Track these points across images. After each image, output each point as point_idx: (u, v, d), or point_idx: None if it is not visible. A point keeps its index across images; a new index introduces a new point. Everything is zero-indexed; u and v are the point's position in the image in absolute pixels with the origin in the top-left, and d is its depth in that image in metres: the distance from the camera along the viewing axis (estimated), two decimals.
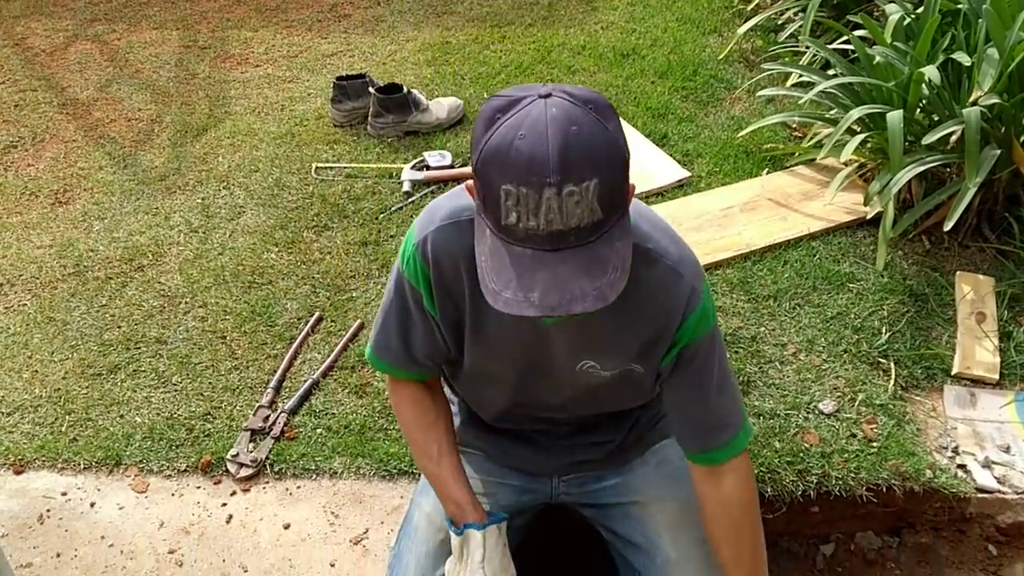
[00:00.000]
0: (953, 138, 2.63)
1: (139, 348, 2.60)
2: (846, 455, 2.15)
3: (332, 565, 2.04)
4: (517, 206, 1.16)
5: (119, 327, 2.68)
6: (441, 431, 1.69)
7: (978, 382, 2.38)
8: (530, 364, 1.56)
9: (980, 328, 2.47)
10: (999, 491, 2.14)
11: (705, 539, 1.70)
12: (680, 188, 3.07)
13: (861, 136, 2.68)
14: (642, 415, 1.80)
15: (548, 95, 1.17)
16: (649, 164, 3.16)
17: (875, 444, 2.18)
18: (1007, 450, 2.21)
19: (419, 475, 2.19)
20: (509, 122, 1.17)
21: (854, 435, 2.20)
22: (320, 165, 3.32)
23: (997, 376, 2.37)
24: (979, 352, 2.41)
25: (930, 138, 2.48)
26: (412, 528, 1.83)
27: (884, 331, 2.47)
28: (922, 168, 2.56)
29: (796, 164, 3.09)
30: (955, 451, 2.20)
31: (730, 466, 1.56)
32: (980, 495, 2.13)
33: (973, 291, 2.57)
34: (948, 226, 2.46)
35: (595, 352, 1.52)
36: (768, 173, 3.09)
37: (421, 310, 1.54)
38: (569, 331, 1.49)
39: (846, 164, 2.91)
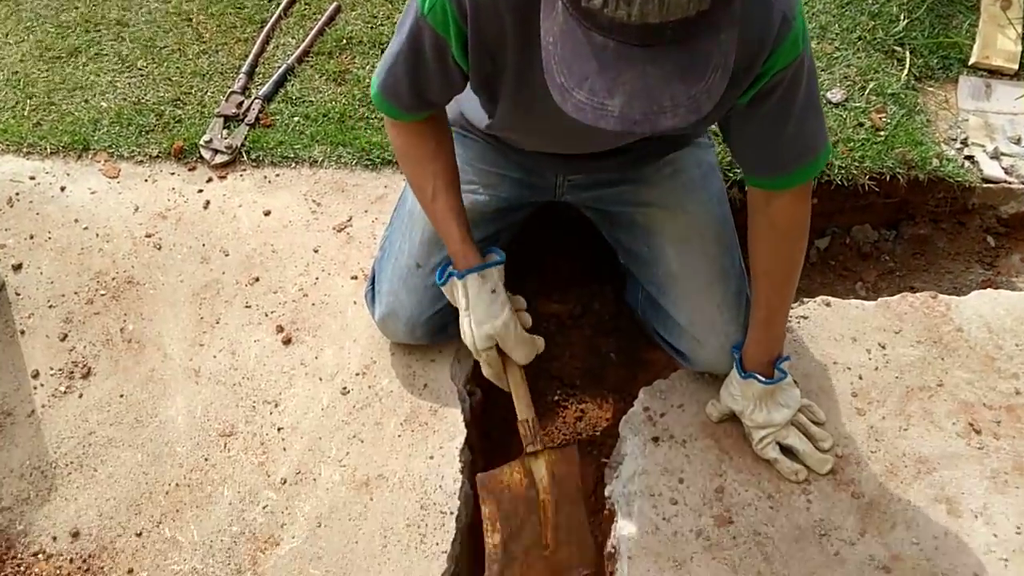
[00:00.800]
0: None
1: (99, 30, 2.41)
2: (851, 144, 2.05)
3: (316, 251, 1.99)
4: None
5: (76, 7, 2.47)
6: (440, 166, 1.53)
7: (995, 73, 2.24)
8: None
9: (1004, 15, 2.29)
10: (1005, 181, 2.07)
11: (714, 255, 1.64)
12: None
13: None
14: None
15: None
16: None
17: (882, 133, 2.08)
18: (1018, 142, 2.12)
19: None
20: None
21: (861, 124, 2.10)
22: None
23: (1016, 66, 2.23)
24: (1000, 41, 2.26)
25: None
26: (407, 212, 1.75)
27: (902, 18, 2.29)
28: None
29: None
30: (964, 143, 2.11)
31: (791, 190, 1.42)
32: (985, 185, 2.06)
33: None
34: None
35: None
36: None
37: (442, 59, 1.32)
38: None
39: None
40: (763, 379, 1.54)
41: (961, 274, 2.11)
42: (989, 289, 1.90)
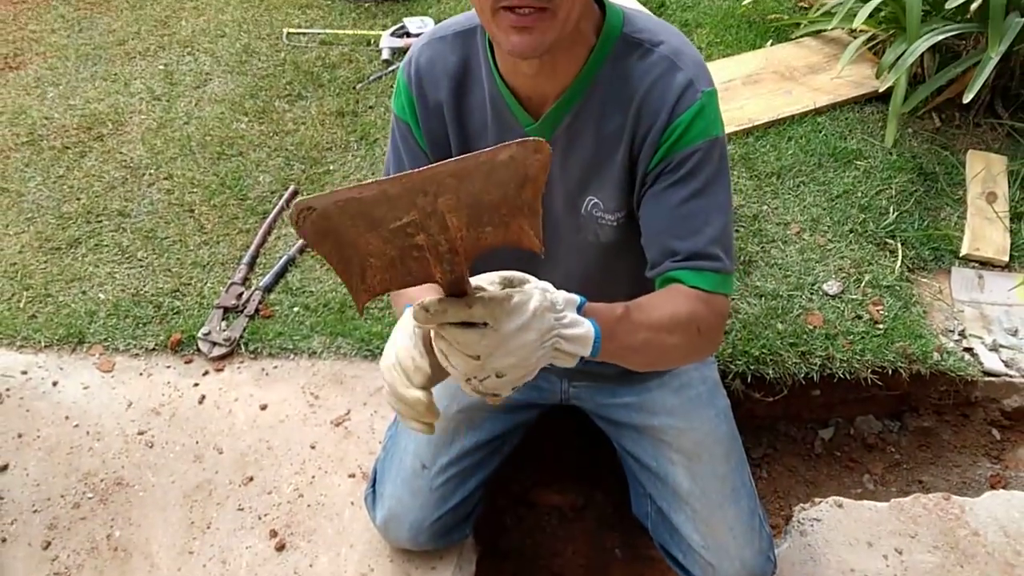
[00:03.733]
0: (973, 6, 2.46)
1: (100, 221, 2.42)
2: (851, 337, 2.06)
3: (312, 447, 1.94)
4: None
5: (78, 199, 2.49)
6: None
7: (987, 264, 2.28)
8: None
9: (991, 208, 2.36)
10: (1006, 375, 2.06)
11: (724, 474, 1.57)
12: None
13: (875, 2, 2.50)
14: None
15: None
16: None
17: (881, 326, 2.08)
18: (1015, 333, 2.13)
19: None
20: None
21: (859, 316, 2.11)
22: (292, 31, 3.10)
23: (1007, 258, 2.27)
24: (989, 233, 2.31)
25: (953, 3, 2.31)
26: None
27: (892, 210, 2.35)
28: (940, 37, 2.41)
29: (802, 36, 2.91)
30: (962, 334, 2.12)
31: (694, 291, 1.27)
32: (987, 379, 2.06)
33: (984, 170, 2.45)
34: (967, 98, 2.32)
35: (596, 181, 1.34)
36: (772, 45, 2.91)
37: (411, 148, 1.40)
38: (562, 147, 1.33)
39: (855, 35, 2.74)
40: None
41: (969, 468, 2.08)
42: (1002, 490, 1.86)
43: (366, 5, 3.22)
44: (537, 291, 1.02)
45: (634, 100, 1.27)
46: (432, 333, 1.02)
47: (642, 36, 1.27)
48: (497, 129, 1.35)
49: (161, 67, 2.99)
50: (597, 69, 1.27)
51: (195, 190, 2.50)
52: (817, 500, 1.82)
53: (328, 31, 3.08)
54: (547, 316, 1.01)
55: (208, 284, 2.24)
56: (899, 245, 2.27)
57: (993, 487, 2.02)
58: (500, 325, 0.97)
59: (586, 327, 1.06)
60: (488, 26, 1.19)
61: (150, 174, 2.57)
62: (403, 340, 1.11)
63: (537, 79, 1.28)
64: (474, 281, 1.00)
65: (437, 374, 1.10)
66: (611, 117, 1.29)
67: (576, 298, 1.08)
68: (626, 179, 1.33)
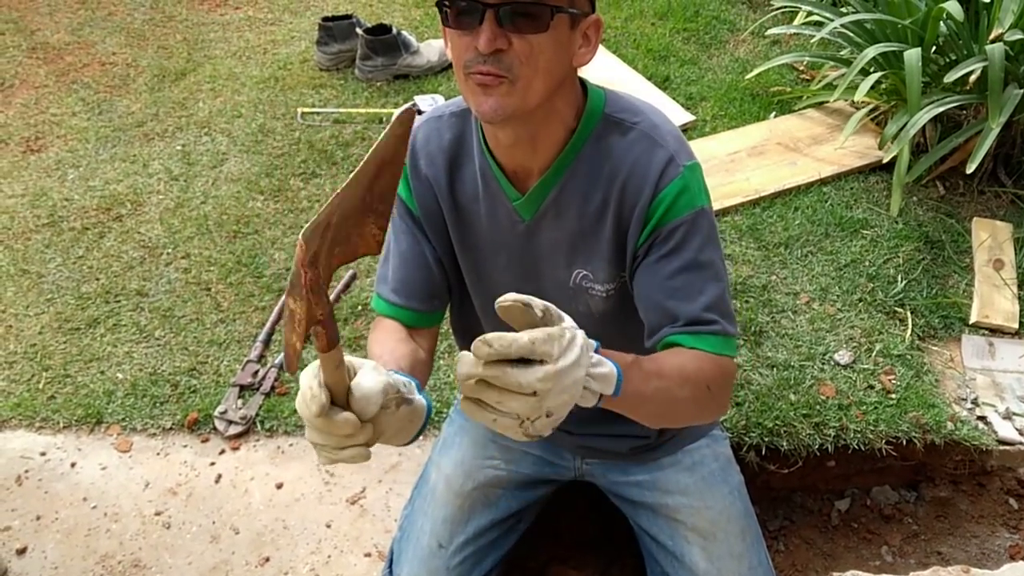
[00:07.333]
0: (972, 78, 2.52)
1: (119, 301, 2.46)
2: (864, 407, 2.06)
3: (328, 526, 1.94)
4: None
5: (97, 279, 2.54)
6: (402, 354, 1.33)
7: (996, 331, 2.29)
8: (523, 275, 1.42)
9: (998, 275, 2.38)
10: (1021, 443, 2.06)
11: (741, 552, 1.57)
12: (684, 132, 2.94)
13: (876, 76, 2.55)
14: None
15: None
16: None
17: (893, 396, 2.09)
18: None
19: (436, 431, 2.09)
20: None
21: (872, 386, 2.11)
22: (306, 110, 3.17)
23: (1016, 325, 2.28)
24: (998, 300, 2.32)
25: (952, 76, 2.37)
26: (429, 490, 1.72)
27: (900, 279, 2.37)
28: (940, 109, 2.45)
29: (805, 107, 2.97)
30: (975, 402, 2.12)
31: (696, 351, 1.28)
32: (1002, 447, 2.05)
33: (990, 237, 2.47)
34: (970, 168, 2.35)
35: (584, 254, 1.36)
36: (775, 117, 2.96)
37: (408, 225, 1.42)
38: (549, 221, 1.35)
39: (857, 106, 2.79)
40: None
41: (987, 539, 2.06)
42: (1022, 561, 1.85)
43: (378, 84, 3.30)
44: (579, 330, 1.00)
45: (617, 177, 1.29)
46: (466, 388, 0.95)
47: (622, 115, 1.31)
48: (488, 201, 1.38)
49: (179, 148, 3.06)
50: (580, 147, 1.31)
51: (212, 268, 2.54)
52: (835, 574, 1.81)
53: (341, 110, 3.15)
54: (586, 354, 1.01)
55: (224, 362, 2.27)
56: (908, 313, 2.29)
57: (1012, 558, 2.00)
58: (558, 361, 0.94)
59: (609, 367, 1.06)
60: (464, 94, 1.23)
61: (168, 253, 2.61)
62: (305, 379, 1.01)
63: (516, 152, 1.31)
64: (512, 296, 0.96)
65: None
66: (594, 193, 1.32)
67: (592, 342, 1.07)
68: (614, 253, 1.35)
